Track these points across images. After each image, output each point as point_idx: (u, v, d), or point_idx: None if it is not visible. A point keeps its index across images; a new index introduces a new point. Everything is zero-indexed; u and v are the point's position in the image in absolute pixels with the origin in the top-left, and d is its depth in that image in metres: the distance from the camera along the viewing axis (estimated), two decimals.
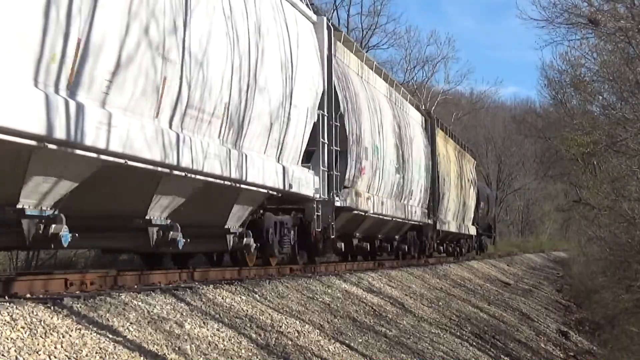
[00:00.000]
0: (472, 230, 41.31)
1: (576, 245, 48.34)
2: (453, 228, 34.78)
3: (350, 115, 19.10)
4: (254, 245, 14.33)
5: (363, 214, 20.20)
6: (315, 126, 16.52)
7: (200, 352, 8.15)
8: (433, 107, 55.59)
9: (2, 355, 6.15)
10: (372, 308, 14.86)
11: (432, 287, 22.14)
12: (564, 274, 52.80)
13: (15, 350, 6.29)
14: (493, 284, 31.71)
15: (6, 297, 7.99)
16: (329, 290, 14.39)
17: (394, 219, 23.81)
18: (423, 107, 34.85)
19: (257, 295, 11.56)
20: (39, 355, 6.41)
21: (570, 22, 21.14)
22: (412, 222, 26.74)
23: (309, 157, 16.57)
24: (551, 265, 62.39)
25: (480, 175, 79.84)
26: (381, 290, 17.40)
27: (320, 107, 16.81)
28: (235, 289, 11.34)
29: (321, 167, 16.77)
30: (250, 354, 8.84)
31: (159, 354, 7.64)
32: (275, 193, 14.38)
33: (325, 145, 17.08)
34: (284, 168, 14.52)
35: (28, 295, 8.41)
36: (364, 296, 15.61)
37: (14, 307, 7.12)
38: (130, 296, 8.87)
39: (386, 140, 22.80)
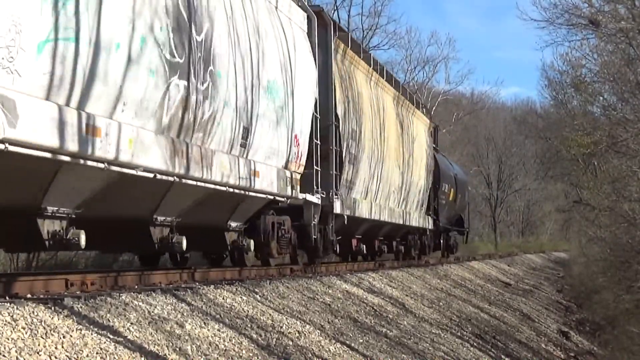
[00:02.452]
0: (427, 222, 29.39)
1: (577, 245, 48.37)
2: (383, 215, 22.62)
3: None
4: None
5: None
6: None
7: (201, 353, 8.15)
8: (434, 108, 55.52)
9: (3, 355, 6.16)
10: (373, 308, 14.87)
11: (432, 287, 22.14)
12: (565, 275, 52.78)
13: (16, 351, 6.29)
14: (494, 284, 31.70)
15: (7, 298, 8.00)
16: (330, 291, 14.39)
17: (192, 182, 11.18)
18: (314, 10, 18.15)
19: (257, 296, 11.57)
20: (40, 355, 6.42)
21: (571, 23, 21.20)
22: (266, 196, 14.14)
23: None
24: (552, 266, 62.35)
25: (480, 176, 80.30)
26: (382, 290, 17.40)
27: None
28: (236, 289, 11.34)
29: None
30: (251, 354, 8.84)
31: (160, 354, 7.64)
32: None
33: None
34: None
35: (29, 296, 8.42)
36: (365, 296, 15.62)
37: (15, 307, 7.13)
38: (131, 296, 8.87)
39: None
